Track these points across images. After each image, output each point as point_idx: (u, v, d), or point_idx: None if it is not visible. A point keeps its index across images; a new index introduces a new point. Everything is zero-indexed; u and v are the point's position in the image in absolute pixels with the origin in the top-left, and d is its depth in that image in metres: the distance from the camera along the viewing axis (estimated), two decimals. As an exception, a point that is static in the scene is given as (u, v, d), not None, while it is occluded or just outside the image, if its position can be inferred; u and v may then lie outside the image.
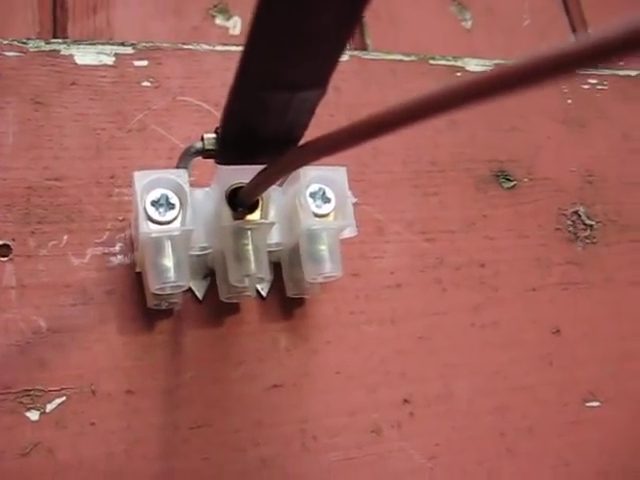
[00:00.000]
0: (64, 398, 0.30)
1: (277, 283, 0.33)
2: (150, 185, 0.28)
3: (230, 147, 0.27)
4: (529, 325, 0.36)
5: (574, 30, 0.48)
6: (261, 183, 0.27)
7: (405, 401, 0.33)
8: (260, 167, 0.26)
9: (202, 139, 0.27)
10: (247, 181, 0.28)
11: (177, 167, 0.29)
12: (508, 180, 0.39)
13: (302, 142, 0.26)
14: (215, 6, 0.41)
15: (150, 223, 0.28)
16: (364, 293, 0.34)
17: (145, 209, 0.28)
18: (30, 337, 0.30)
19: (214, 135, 0.27)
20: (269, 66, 0.23)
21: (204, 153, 0.27)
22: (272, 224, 0.29)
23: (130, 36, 0.39)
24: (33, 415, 0.29)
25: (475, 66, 0.40)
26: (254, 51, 0.22)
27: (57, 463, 0.29)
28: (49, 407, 0.29)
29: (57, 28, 0.39)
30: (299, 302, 0.33)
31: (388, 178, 0.36)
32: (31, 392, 0.29)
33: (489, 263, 0.37)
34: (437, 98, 0.17)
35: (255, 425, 0.31)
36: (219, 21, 0.41)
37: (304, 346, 0.33)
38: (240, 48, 0.37)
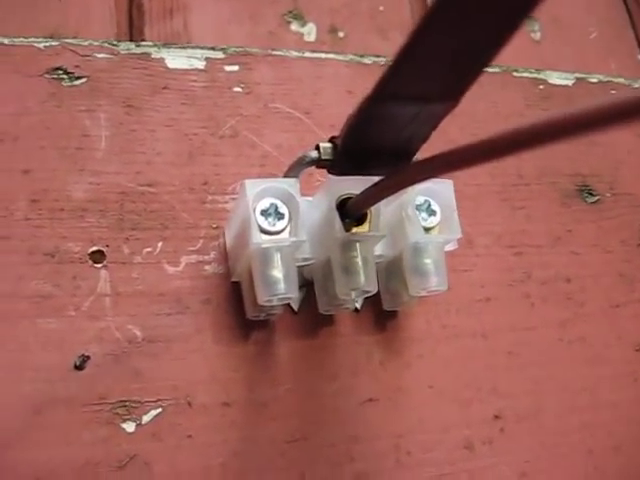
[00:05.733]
0: (160, 410, 0.29)
1: (370, 296, 0.32)
2: (260, 194, 0.27)
3: (347, 157, 0.27)
4: (614, 341, 0.36)
5: (639, 44, 0.48)
6: (374, 196, 0.27)
7: (496, 417, 0.33)
8: (371, 178, 0.26)
9: (318, 148, 0.27)
10: (356, 192, 0.28)
11: (286, 176, 0.28)
12: (591, 195, 0.38)
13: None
14: (290, 12, 0.41)
15: (261, 233, 0.27)
16: (455, 307, 0.34)
17: (255, 218, 0.27)
18: (125, 347, 0.29)
19: (330, 145, 0.27)
20: (413, 78, 0.22)
21: (319, 163, 0.27)
22: (382, 236, 0.28)
23: (207, 40, 0.39)
24: (129, 426, 0.29)
25: (557, 79, 0.40)
26: (403, 63, 0.22)
27: (154, 476, 0.28)
28: (145, 418, 0.29)
29: (133, 31, 0.38)
30: (392, 315, 0.33)
31: (476, 190, 0.36)
32: (127, 403, 0.29)
33: (575, 278, 0.36)
34: (583, 117, 0.16)
35: (350, 440, 0.31)
36: (294, 27, 0.41)
37: (398, 360, 0.32)
38: (329, 55, 0.37)
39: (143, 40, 0.38)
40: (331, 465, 0.30)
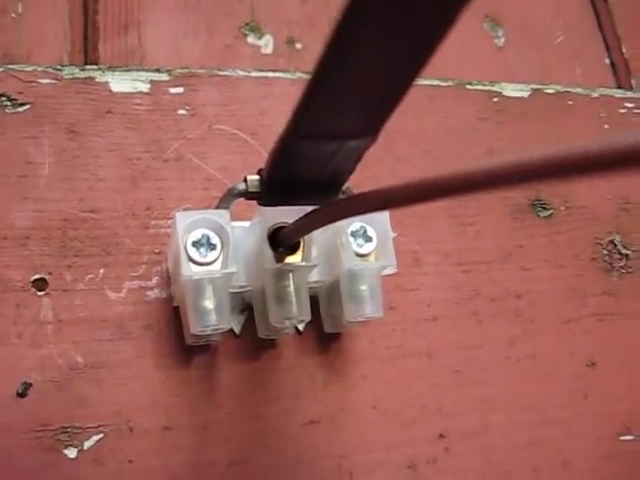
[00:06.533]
0: (102, 435, 0.29)
1: (314, 318, 0.32)
2: (192, 225, 0.28)
3: (274, 189, 0.27)
4: (564, 358, 0.36)
5: (607, 47, 0.47)
6: (306, 226, 0.27)
7: (441, 436, 0.33)
8: (303, 208, 0.26)
9: (245, 181, 0.27)
10: (289, 221, 0.28)
11: (218, 207, 0.28)
12: (544, 209, 0.38)
13: (356, 190, 0.26)
14: (247, 24, 0.41)
15: (191, 264, 0.27)
16: (401, 327, 0.34)
17: (186, 250, 0.27)
18: (67, 373, 0.30)
19: (257, 177, 0.27)
20: (323, 117, 0.22)
21: (247, 195, 0.27)
22: (314, 266, 0.29)
23: (162, 55, 0.39)
24: (71, 452, 0.29)
25: (512, 91, 0.40)
26: (311, 103, 0.21)
27: (95, 501, 0.29)
28: (87, 444, 0.29)
29: (88, 47, 0.38)
30: (335, 336, 0.33)
31: (425, 208, 0.36)
32: (69, 429, 0.29)
33: (525, 294, 0.36)
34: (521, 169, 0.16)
35: (293, 461, 0.31)
36: (251, 39, 0.40)
37: (341, 381, 0.33)
38: (276, 74, 0.37)
39: (97, 58, 0.38)
40: (272, 487, 0.31)
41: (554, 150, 0.15)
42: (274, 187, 0.26)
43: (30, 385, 0.29)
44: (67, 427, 0.29)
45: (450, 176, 0.19)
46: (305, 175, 0.26)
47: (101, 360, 0.30)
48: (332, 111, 0.22)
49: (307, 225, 0.27)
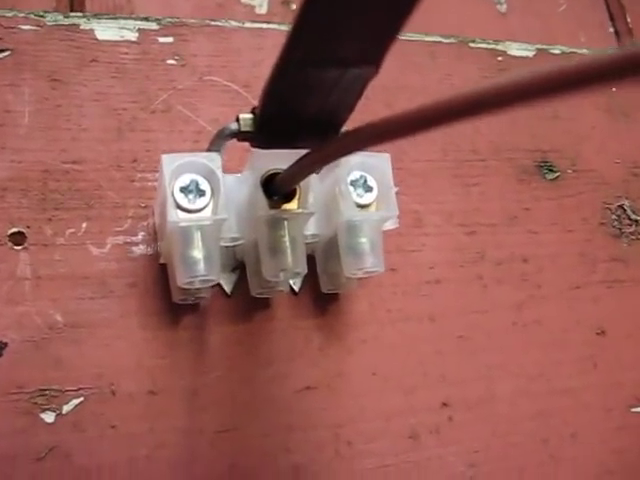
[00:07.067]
0: (82, 399, 0.27)
1: (310, 277, 0.30)
2: (179, 170, 0.26)
3: (268, 129, 0.25)
4: (572, 325, 0.34)
5: (611, 16, 0.46)
6: (301, 171, 0.25)
7: (444, 404, 0.31)
8: (298, 152, 0.24)
9: (237, 120, 0.25)
10: (283, 167, 0.26)
11: (208, 150, 0.27)
12: (551, 171, 0.36)
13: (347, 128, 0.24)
14: (241, -17, 0.39)
15: (179, 211, 0.26)
16: (402, 289, 0.32)
17: (173, 196, 0.26)
18: (46, 332, 0.28)
19: (251, 116, 0.25)
20: (321, 39, 0.21)
21: (239, 135, 0.25)
22: (311, 214, 0.27)
23: (151, 12, 0.37)
24: (48, 417, 0.27)
25: (517, 50, 0.38)
26: (306, 22, 0.20)
27: (74, 468, 0.27)
28: (66, 408, 0.27)
29: (74, 2, 0.36)
30: (333, 298, 0.31)
31: (427, 167, 0.34)
32: (46, 392, 0.27)
33: (532, 258, 0.35)
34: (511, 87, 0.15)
35: (286, 429, 0.29)
36: (245, -1, 0.39)
37: (338, 345, 0.31)
38: (271, 26, 0.35)
39: (83, 12, 0.36)
40: (264, 456, 0.29)
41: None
42: (269, 125, 0.25)
43: (5, 345, 0.27)
44: (45, 390, 0.27)
45: (439, 102, 0.17)
46: (302, 111, 0.24)
47: (82, 319, 0.28)
48: (329, 34, 0.21)
49: (302, 169, 0.25)
